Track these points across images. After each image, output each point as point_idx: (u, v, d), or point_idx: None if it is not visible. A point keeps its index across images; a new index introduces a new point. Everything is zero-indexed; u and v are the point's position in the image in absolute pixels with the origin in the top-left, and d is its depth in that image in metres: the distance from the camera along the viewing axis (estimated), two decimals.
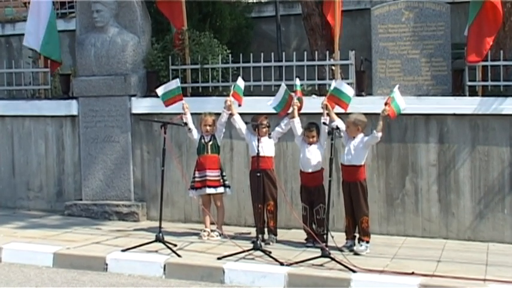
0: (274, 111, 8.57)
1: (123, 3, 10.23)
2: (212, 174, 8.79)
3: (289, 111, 8.46)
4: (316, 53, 9.90)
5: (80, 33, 10.56)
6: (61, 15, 13.32)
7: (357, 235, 8.24)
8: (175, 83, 8.76)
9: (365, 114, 8.42)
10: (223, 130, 8.87)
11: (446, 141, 8.89)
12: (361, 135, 8.20)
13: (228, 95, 8.85)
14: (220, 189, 8.84)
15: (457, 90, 9.11)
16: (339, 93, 8.23)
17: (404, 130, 9.04)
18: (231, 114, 8.68)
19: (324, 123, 8.19)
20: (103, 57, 10.20)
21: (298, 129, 8.46)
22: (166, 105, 8.78)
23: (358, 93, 9.34)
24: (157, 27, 10.85)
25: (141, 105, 10.06)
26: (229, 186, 8.94)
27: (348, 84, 9.30)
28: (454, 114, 8.83)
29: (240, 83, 8.77)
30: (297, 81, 8.62)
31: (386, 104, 8.03)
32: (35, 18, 10.92)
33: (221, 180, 8.84)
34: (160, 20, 10.87)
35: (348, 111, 8.34)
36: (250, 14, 12.55)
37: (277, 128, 8.65)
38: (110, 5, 10.21)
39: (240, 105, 8.76)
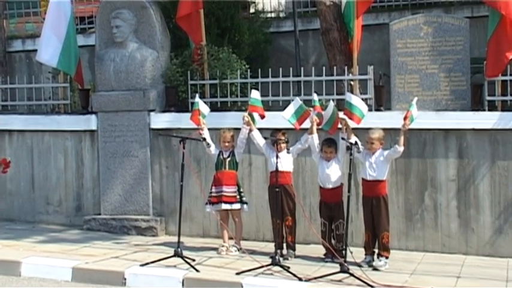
0: (292, 127, 8.65)
1: (142, 19, 10.40)
2: (229, 190, 8.87)
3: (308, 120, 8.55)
4: (335, 68, 10.00)
5: (99, 49, 10.73)
6: (80, 31, 13.53)
7: (376, 250, 8.28)
8: (197, 98, 8.94)
9: (384, 129, 8.50)
10: (243, 146, 8.96)
11: (466, 157, 8.92)
12: (380, 149, 8.28)
13: (246, 110, 8.96)
14: (236, 206, 8.91)
15: (476, 105, 9.13)
16: (350, 106, 8.32)
17: (423, 145, 9.09)
18: (250, 130, 8.78)
19: (343, 139, 8.27)
20: (122, 72, 10.36)
21: (316, 146, 8.54)
22: (192, 121, 8.91)
23: (377, 108, 9.42)
24: (176, 42, 10.99)
25: (160, 120, 10.19)
26: (246, 203, 9.00)
27: (367, 99, 9.42)
28: (474, 129, 8.87)
29: (255, 95, 8.86)
30: (315, 97, 8.71)
31: (405, 118, 8.11)
32: (52, 33, 11.01)
33: (238, 197, 8.91)
34: (179, 35, 11.01)
35: (366, 126, 8.41)
36: (269, 29, 12.66)
37: (297, 144, 8.74)
38: (129, 21, 10.38)
39: (262, 117, 8.84)
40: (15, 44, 14.21)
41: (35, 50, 13.57)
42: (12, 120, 11.29)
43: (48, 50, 11.02)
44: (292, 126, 8.68)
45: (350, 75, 9.77)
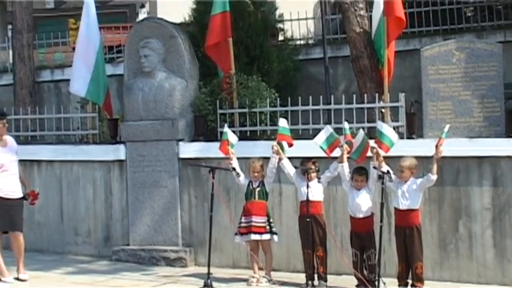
0: (323, 155, 8.72)
1: (171, 48, 10.56)
2: (258, 220, 8.92)
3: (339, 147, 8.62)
4: (365, 95, 10.06)
5: (127, 78, 10.91)
6: (109, 60, 13.78)
7: (410, 281, 8.26)
8: (225, 129, 9.05)
9: (416, 157, 8.52)
10: (273, 176, 9.03)
11: (501, 184, 8.88)
12: (412, 178, 8.31)
13: (276, 139, 9.04)
14: (266, 236, 8.95)
15: (511, 132, 9.13)
16: (380, 135, 8.40)
17: (457, 173, 9.07)
18: (280, 159, 8.86)
19: (375, 167, 8.31)
20: (151, 101, 10.52)
21: (347, 174, 8.58)
22: (221, 151, 9.02)
23: (409, 136, 9.44)
24: (204, 71, 11.14)
25: (189, 150, 10.32)
26: (276, 233, 9.03)
27: (398, 126, 9.46)
28: (508, 157, 8.84)
29: (283, 123, 8.96)
30: (346, 125, 8.76)
31: (437, 145, 8.13)
32: (81, 63, 11.24)
33: (267, 227, 8.95)
34: (208, 64, 11.16)
35: (398, 154, 8.45)
36: (298, 56, 12.79)
37: (326, 173, 8.79)
38: (158, 50, 10.55)
39: (290, 145, 8.93)
40: (44, 74, 14.52)
41: (64, 80, 13.99)
42: (40, 151, 11.50)
43: (78, 80, 11.25)
44: (322, 155, 8.74)
45: (381, 102, 9.82)
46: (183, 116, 10.45)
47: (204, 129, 10.46)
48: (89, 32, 11.18)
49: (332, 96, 10.39)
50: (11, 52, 14.64)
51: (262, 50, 11.84)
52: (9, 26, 16.35)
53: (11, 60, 14.57)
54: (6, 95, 14.14)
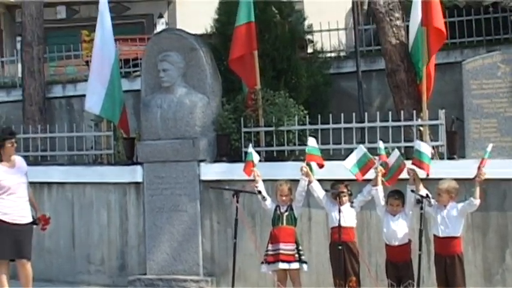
0: (356, 177, 8.76)
1: (191, 62, 10.70)
2: (287, 247, 8.92)
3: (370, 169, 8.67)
4: (402, 112, 10.11)
5: (145, 94, 11.05)
6: (125, 74, 13.94)
7: None
8: (250, 149, 9.13)
9: (457, 179, 8.50)
10: (302, 200, 9.09)
11: None
12: (452, 203, 8.32)
13: (305, 160, 9.10)
14: (295, 265, 8.93)
15: None
16: (419, 155, 8.43)
17: (503, 197, 9.05)
18: (309, 181, 8.91)
19: (412, 191, 8.34)
20: (170, 119, 10.65)
21: (381, 199, 8.60)
22: (245, 173, 9.12)
23: (450, 157, 9.46)
24: (228, 86, 11.26)
25: (211, 171, 10.42)
26: (305, 262, 9.02)
27: (438, 146, 9.49)
28: None
29: (312, 143, 8.99)
30: (381, 144, 8.80)
31: (480, 167, 8.14)
32: (96, 78, 11.39)
33: (296, 255, 8.93)
34: (231, 79, 11.29)
35: (437, 176, 8.47)
36: (329, 70, 12.89)
37: (359, 196, 8.83)
38: (178, 64, 10.68)
39: (321, 167, 8.98)
40: (55, 89, 14.70)
41: (76, 96, 14.19)
42: (51, 172, 11.64)
43: (92, 96, 11.40)
44: (354, 177, 8.79)
45: (419, 120, 9.86)
46: (205, 135, 10.57)
47: (228, 149, 10.57)
48: (103, 44, 11.34)
49: (366, 114, 10.42)
50: (19, 66, 14.84)
51: (290, 64, 11.96)
52: (18, 38, 16.62)
53: (19, 75, 14.77)
54: (15, 112, 14.35)
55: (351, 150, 9.39)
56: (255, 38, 10.62)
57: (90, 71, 11.59)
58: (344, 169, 8.78)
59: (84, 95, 12.01)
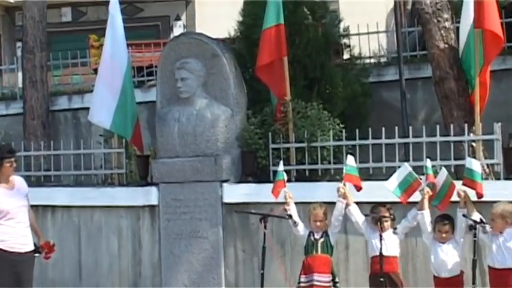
0: (399, 200, 8.75)
1: (213, 70, 10.76)
2: (322, 279, 8.92)
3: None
4: (452, 126, 10.09)
5: (160, 106, 11.13)
6: (138, 84, 14.06)
7: None
8: (280, 167, 9.15)
9: None
10: (339, 225, 9.09)
11: None
12: (510, 229, 8.26)
13: (341, 180, 9.13)
14: None
15: None
16: (471, 174, 8.41)
17: None
18: (347, 204, 8.91)
19: (464, 216, 8.33)
20: (189, 134, 10.69)
21: (428, 224, 8.60)
22: (274, 195, 9.13)
23: (507, 177, 9.41)
24: (254, 97, 11.32)
25: (235, 193, 10.45)
26: None
27: (493, 164, 9.44)
28: None
29: (350, 161, 9.01)
30: (428, 163, 8.79)
31: None
32: (105, 88, 11.47)
33: (332, 287, 8.98)
34: (258, 89, 11.34)
35: (492, 198, 8.45)
36: (368, 78, 12.89)
37: (403, 222, 8.81)
38: (198, 72, 10.73)
39: (359, 189, 8.98)
40: (60, 101, 14.85)
41: (83, 108, 14.24)
42: (56, 194, 11.72)
43: (101, 108, 11.48)
44: (397, 199, 8.78)
45: (471, 135, 9.83)
46: (228, 152, 10.62)
47: (254, 167, 10.62)
48: (114, 50, 11.42)
49: (410, 128, 10.39)
50: (20, 75, 14.97)
51: (324, 71, 11.99)
52: (18, 44, 16.81)
53: (20, 85, 14.93)
54: (15, 127, 14.46)
55: (394, 169, 9.40)
56: (284, 42, 10.67)
57: (99, 80, 11.64)
58: (386, 190, 8.77)
59: None
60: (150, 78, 14.41)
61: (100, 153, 12.13)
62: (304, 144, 10.50)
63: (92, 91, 13.25)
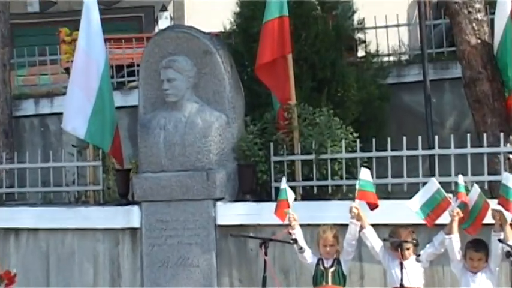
0: (425, 222, 8.75)
1: (205, 69, 10.79)
2: None
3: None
4: (485, 135, 10.10)
5: (143, 111, 11.15)
6: (117, 85, 14.04)
7: None
8: (283, 184, 9.14)
9: None
10: (353, 252, 9.10)
11: None
12: None
13: (355, 198, 9.11)
14: None
15: None
16: (507, 192, 8.40)
17: None
18: (361, 227, 8.91)
19: (500, 241, 8.31)
20: (177, 145, 10.70)
21: (458, 251, 8.58)
22: (277, 216, 9.14)
23: None
24: (253, 101, 11.36)
25: (231, 214, 10.47)
26: None
27: None
28: None
29: (365, 175, 8.99)
30: (460, 179, 8.77)
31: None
32: (80, 90, 11.45)
33: None
34: (258, 91, 11.37)
35: None
36: (386, 79, 12.90)
37: (428, 248, 8.79)
38: (187, 72, 10.75)
39: (375, 207, 8.95)
40: (25, 105, 14.79)
41: (53, 114, 14.23)
42: (20, 215, 11.70)
43: (75, 114, 11.46)
44: (423, 221, 8.78)
45: (508, 145, 9.84)
46: (223, 166, 10.64)
47: (253, 183, 10.65)
48: (89, 45, 11.44)
49: (436, 137, 10.40)
50: None
51: (335, 71, 11.98)
52: None
53: None
54: None
55: (417, 186, 9.41)
56: (289, 37, 10.71)
57: (72, 80, 11.64)
58: (408, 211, 8.77)
59: (63, 113, 12.05)
60: (131, 78, 14.44)
61: (72, 166, 12.09)
62: (312, 157, 10.52)
63: (63, 94, 13.33)
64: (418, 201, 8.71)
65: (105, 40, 11.94)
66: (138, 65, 12.38)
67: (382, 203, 9.07)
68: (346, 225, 9.03)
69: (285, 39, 10.67)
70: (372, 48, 13.51)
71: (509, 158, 9.86)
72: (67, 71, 14.50)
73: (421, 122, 12.45)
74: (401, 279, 8.42)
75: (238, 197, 10.67)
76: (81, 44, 11.53)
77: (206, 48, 10.82)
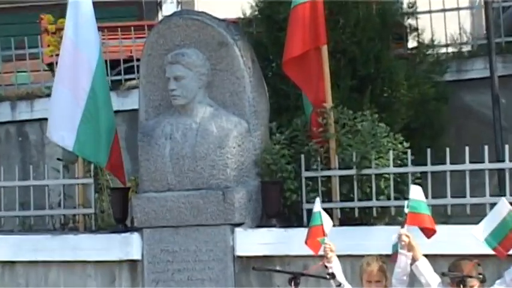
0: (495, 253, 8.75)
1: (220, 64, 10.87)
2: None
3: None
4: None
5: (145, 117, 11.24)
6: (112, 85, 14.04)
7: None
8: (317, 206, 9.16)
9: None
10: None
11: None
12: None
13: (405, 223, 9.11)
14: None
15: None
16: None
17: None
18: (414, 259, 8.92)
19: None
20: (186, 158, 10.76)
21: None
22: (309, 246, 9.18)
23: None
24: (279, 103, 11.47)
25: (253, 242, 10.52)
26: None
27: None
28: None
29: (418, 194, 8.96)
30: None
31: None
32: (68, 90, 11.52)
33: None
34: (285, 91, 11.47)
35: None
36: (443, 76, 12.94)
37: (498, 284, 8.77)
38: (199, 68, 10.80)
39: (431, 234, 8.96)
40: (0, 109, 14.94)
41: (34, 120, 14.30)
42: None
43: (61, 120, 11.54)
44: (491, 251, 8.79)
45: None
46: (243, 183, 10.71)
47: (280, 205, 10.69)
48: (79, 36, 11.54)
49: (506, 147, 10.40)
50: None
51: (380, 66, 12.05)
52: None
53: None
54: None
55: (483, 208, 9.41)
56: (323, 24, 10.75)
57: (57, 79, 11.74)
58: (472, 239, 8.77)
59: (45, 119, 12.15)
60: (130, 76, 14.57)
61: (58, 185, 12.19)
62: (352, 172, 10.57)
63: (46, 95, 13.52)
64: (486, 227, 8.68)
65: (99, 29, 12.03)
66: (138, 60, 12.43)
67: (439, 228, 9.01)
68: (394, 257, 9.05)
69: (318, 27, 10.72)
70: (426, 38, 13.53)
71: None
72: (50, 67, 14.58)
73: (488, 128, 12.46)
74: None
75: (262, 222, 10.72)
76: (68, 34, 11.63)
77: (221, 39, 10.88)
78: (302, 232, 9.49)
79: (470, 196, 10.18)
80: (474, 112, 13.01)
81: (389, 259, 8.75)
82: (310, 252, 9.24)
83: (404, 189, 10.40)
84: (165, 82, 10.95)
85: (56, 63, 12.35)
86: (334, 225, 9.60)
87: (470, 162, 10.27)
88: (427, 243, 8.98)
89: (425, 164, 10.43)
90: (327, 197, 10.48)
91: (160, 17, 16.65)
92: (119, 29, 15.19)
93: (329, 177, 10.69)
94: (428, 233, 8.92)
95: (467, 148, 10.27)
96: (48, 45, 15.00)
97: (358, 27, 11.96)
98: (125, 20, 16.40)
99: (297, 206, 10.73)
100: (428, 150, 10.46)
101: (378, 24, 12.22)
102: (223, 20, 11.28)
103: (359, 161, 10.57)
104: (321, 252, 9.13)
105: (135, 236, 11.01)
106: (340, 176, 10.66)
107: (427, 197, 9.18)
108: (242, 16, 12.83)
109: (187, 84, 10.81)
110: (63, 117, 11.57)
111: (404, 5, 13.24)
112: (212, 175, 10.69)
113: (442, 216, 9.73)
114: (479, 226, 8.67)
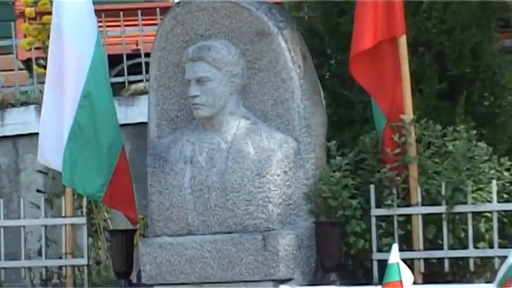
0: None
1: (259, 61, 10.83)
2: None
3: None
4: None
5: (157, 133, 11.26)
6: (111, 90, 14.07)
7: None
8: (394, 256, 9.06)
9: None
10: None
11: None
12: None
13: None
14: None
15: None
16: None
17: None
18: None
19: None
20: (213, 189, 10.71)
21: None
22: None
23: None
24: (340, 114, 11.47)
25: None
26: None
27: None
28: None
29: None
30: None
31: None
32: (60, 95, 11.60)
33: None
34: (348, 99, 11.48)
35: None
36: None
37: None
38: (229, 67, 10.74)
39: None
40: None
41: (5, 138, 14.35)
42: None
43: (49, 136, 11.63)
44: None
45: None
46: (290, 224, 10.66)
47: (341, 254, 10.58)
48: (68, 23, 11.54)
49: None
50: None
51: (479, 63, 11.97)
52: None
53: None
54: None
55: None
56: (402, 9, 10.66)
57: (48, 80, 11.78)
58: None
59: (22, 135, 12.16)
60: (136, 78, 14.54)
61: (37, 226, 12.17)
62: (442, 209, 10.45)
63: (21, 104, 13.55)
64: None
65: (96, 13, 12.00)
66: (146, 56, 12.37)
67: None
68: None
69: (395, 12, 10.62)
70: None
71: None
72: (28, 65, 14.63)
73: None
74: None
75: (317, 278, 10.62)
76: (56, 20, 11.65)
77: (261, 27, 10.84)
78: None
79: None
80: None
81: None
82: None
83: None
84: (183, 85, 10.97)
85: (36, 59, 12.35)
86: (415, 282, 9.53)
87: None
88: None
89: None
90: (405, 244, 10.38)
91: None
92: (121, 13, 15.21)
93: (409, 216, 10.56)
94: None
95: None
96: (25, 36, 14.94)
97: (448, 11, 11.87)
98: (129, 1, 16.41)
99: (364, 255, 10.66)
100: None
101: (475, 7, 12.09)
102: (264, 2, 11.18)
103: (450, 195, 10.43)
104: None
105: None
106: (424, 215, 10.51)
107: None
108: None
109: (215, 88, 10.76)
110: (54, 131, 11.60)
111: None
112: (248, 213, 10.63)
113: None
114: None
